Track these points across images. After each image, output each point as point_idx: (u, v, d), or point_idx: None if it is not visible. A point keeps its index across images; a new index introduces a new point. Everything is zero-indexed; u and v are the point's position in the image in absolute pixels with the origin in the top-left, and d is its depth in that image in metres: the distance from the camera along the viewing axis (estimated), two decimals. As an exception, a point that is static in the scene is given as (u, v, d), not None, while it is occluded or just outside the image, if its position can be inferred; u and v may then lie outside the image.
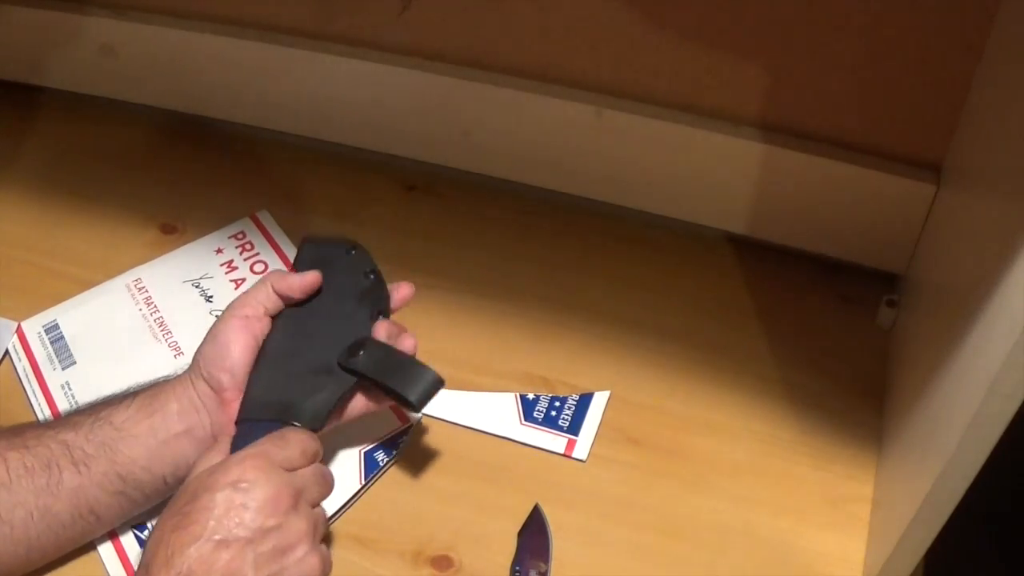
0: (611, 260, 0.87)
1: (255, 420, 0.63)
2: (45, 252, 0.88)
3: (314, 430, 0.64)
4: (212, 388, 0.66)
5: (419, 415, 0.75)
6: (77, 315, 0.82)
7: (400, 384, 0.66)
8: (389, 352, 0.68)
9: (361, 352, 0.67)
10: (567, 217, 0.90)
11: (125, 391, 0.68)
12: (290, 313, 0.69)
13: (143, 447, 0.65)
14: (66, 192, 0.93)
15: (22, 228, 0.90)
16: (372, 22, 0.87)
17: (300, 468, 0.60)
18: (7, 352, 0.80)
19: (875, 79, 0.75)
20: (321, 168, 0.95)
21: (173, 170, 0.95)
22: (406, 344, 0.69)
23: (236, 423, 0.65)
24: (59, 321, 0.82)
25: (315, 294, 0.71)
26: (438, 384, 0.66)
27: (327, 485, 0.62)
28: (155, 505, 0.67)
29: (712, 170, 0.83)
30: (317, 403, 0.65)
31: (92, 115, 1.00)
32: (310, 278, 0.70)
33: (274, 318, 0.69)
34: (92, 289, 0.84)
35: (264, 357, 0.67)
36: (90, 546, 0.67)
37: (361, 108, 0.91)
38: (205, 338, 0.68)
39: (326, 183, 0.94)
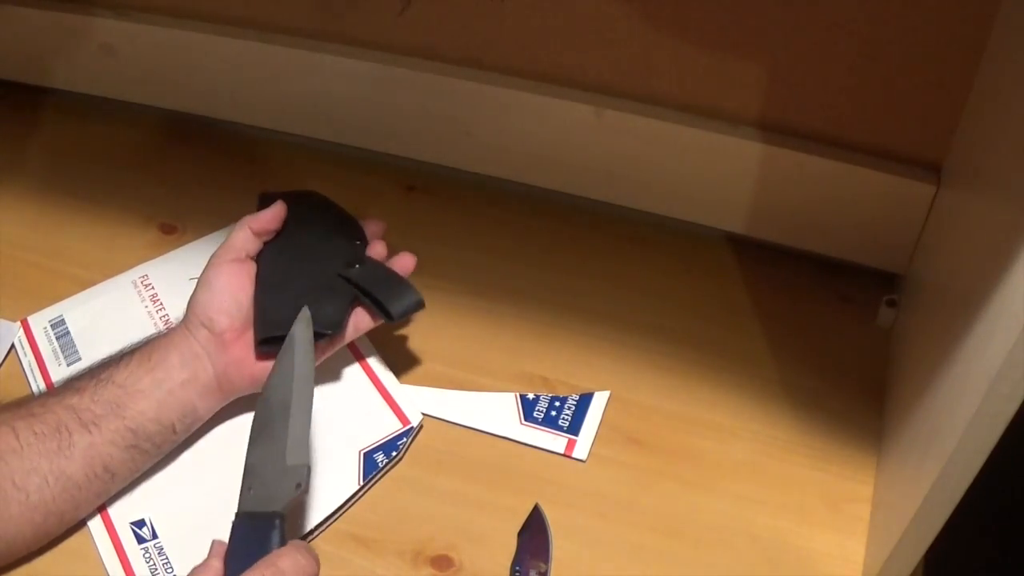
0: (611, 260, 0.87)
1: (249, 513, 0.61)
2: (45, 252, 0.88)
3: (333, 334, 0.70)
4: (212, 332, 0.70)
5: (419, 419, 0.75)
6: (83, 311, 0.82)
7: (384, 296, 0.72)
8: (381, 268, 0.75)
9: (357, 266, 0.74)
10: (567, 217, 0.90)
11: (119, 352, 0.71)
12: (272, 247, 0.75)
13: (150, 399, 0.67)
14: (66, 192, 0.93)
15: (22, 228, 0.90)
16: (372, 22, 0.87)
17: None
18: (12, 347, 0.80)
19: (875, 79, 0.75)
20: (321, 168, 0.95)
21: (173, 170, 0.95)
22: (403, 262, 0.75)
23: (256, 346, 0.70)
24: (65, 316, 0.82)
25: (288, 229, 0.76)
26: (419, 304, 0.73)
27: None
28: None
29: (712, 170, 0.83)
30: (332, 309, 0.71)
31: (92, 115, 1.00)
32: (278, 208, 0.75)
33: (257, 258, 0.74)
34: (98, 285, 0.84)
35: (263, 286, 0.72)
36: (87, 538, 0.68)
37: (361, 108, 0.91)
38: (196, 288, 0.72)
39: (326, 183, 0.93)
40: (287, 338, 0.67)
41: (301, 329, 0.67)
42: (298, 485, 0.61)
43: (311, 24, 0.89)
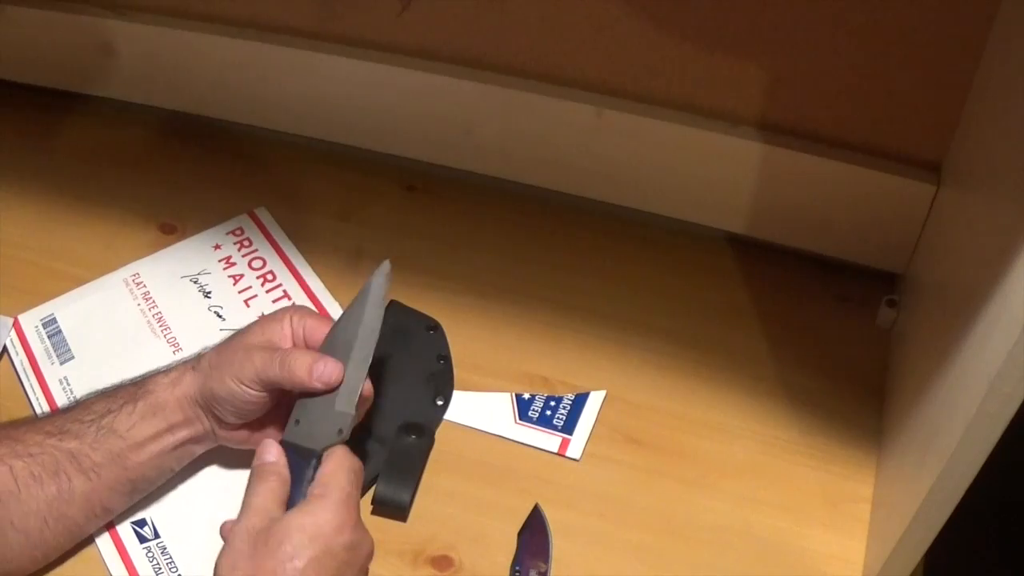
0: (611, 260, 0.87)
1: (292, 444, 0.64)
2: (45, 252, 0.88)
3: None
4: (214, 419, 0.67)
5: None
6: (75, 309, 0.82)
7: (387, 474, 0.71)
8: (420, 453, 0.73)
9: (412, 438, 0.73)
10: (567, 217, 0.90)
11: (119, 387, 0.69)
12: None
13: (151, 453, 0.66)
14: (66, 192, 0.93)
15: (21, 228, 0.90)
16: (372, 22, 0.87)
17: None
18: (4, 348, 0.80)
19: (875, 79, 0.75)
20: (321, 168, 0.95)
21: (173, 170, 0.95)
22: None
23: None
24: (56, 315, 0.82)
25: (389, 358, 0.76)
26: (400, 507, 0.70)
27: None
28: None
29: (712, 170, 0.83)
30: (365, 473, 0.67)
31: (92, 115, 1.00)
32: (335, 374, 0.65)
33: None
34: (89, 284, 0.84)
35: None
36: (88, 540, 0.68)
37: (361, 108, 0.91)
38: (220, 368, 0.66)
39: (326, 183, 0.94)
40: (364, 286, 0.68)
41: (379, 282, 0.67)
42: (340, 431, 0.63)
43: (311, 24, 0.89)
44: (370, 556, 0.61)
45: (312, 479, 0.61)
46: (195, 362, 0.68)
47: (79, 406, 0.68)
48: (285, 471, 0.62)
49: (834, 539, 0.69)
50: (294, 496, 0.61)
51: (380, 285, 0.67)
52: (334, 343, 0.66)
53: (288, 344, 0.67)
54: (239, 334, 0.68)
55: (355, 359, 0.65)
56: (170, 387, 0.67)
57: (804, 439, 0.74)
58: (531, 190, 0.91)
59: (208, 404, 0.66)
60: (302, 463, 0.62)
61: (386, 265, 0.68)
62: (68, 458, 0.64)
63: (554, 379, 0.78)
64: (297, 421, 0.65)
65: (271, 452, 0.63)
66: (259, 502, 0.60)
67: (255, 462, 0.62)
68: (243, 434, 0.68)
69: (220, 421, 0.67)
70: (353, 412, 0.64)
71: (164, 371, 0.69)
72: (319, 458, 0.62)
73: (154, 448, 0.66)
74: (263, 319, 0.69)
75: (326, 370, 0.64)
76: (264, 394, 0.65)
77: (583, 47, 0.82)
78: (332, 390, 0.64)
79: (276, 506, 0.60)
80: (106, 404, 0.67)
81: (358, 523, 0.60)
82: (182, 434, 0.67)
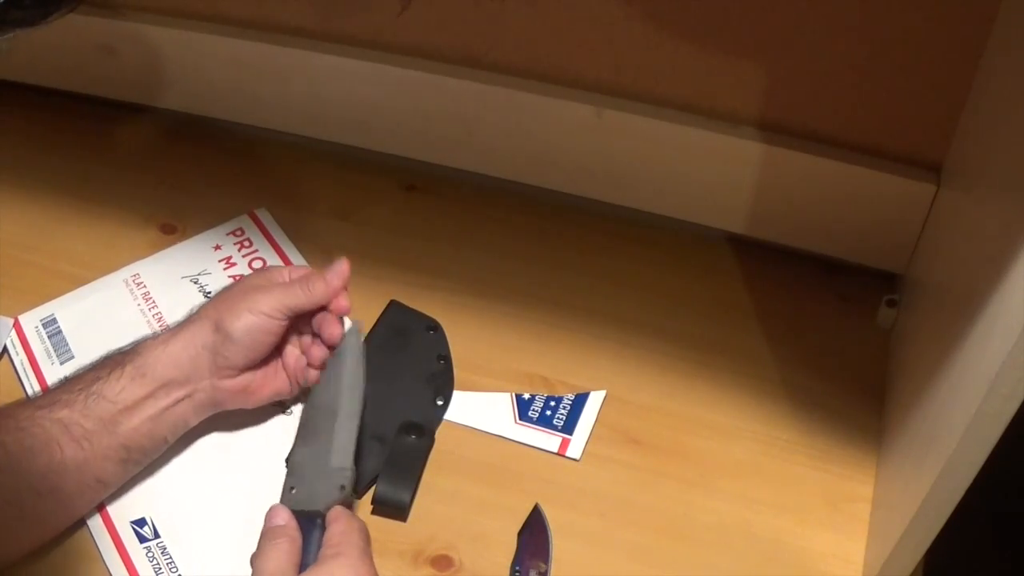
0: (611, 260, 0.87)
1: (292, 512, 0.63)
2: (44, 252, 0.88)
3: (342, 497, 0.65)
4: (222, 366, 0.68)
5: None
6: (75, 309, 0.82)
7: (387, 474, 0.70)
8: (421, 453, 0.73)
9: (412, 438, 0.73)
10: (567, 217, 0.90)
11: (107, 357, 0.69)
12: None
13: (143, 416, 0.66)
14: (66, 192, 0.93)
15: (21, 228, 0.90)
16: (372, 22, 0.87)
17: None
18: (5, 348, 0.80)
19: (875, 79, 0.75)
20: (321, 168, 0.95)
21: (173, 170, 0.95)
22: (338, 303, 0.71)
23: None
24: (57, 315, 0.82)
25: (389, 358, 0.77)
26: (398, 509, 0.70)
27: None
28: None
29: (712, 170, 0.83)
30: (364, 471, 0.69)
31: (92, 115, 1.00)
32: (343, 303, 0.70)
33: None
34: (90, 284, 0.84)
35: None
36: (89, 540, 0.68)
37: (361, 108, 0.91)
38: (232, 308, 0.68)
39: (326, 183, 0.94)
40: (339, 346, 0.68)
41: (353, 340, 0.68)
42: (342, 487, 0.63)
43: (311, 24, 0.89)
44: None
45: (320, 541, 0.61)
46: (190, 316, 0.70)
47: (70, 379, 0.68)
48: (296, 533, 0.61)
49: (834, 539, 0.69)
50: (305, 561, 0.60)
51: (355, 342, 0.68)
52: (316, 408, 0.67)
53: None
54: (235, 285, 0.71)
55: (342, 420, 0.65)
56: (161, 345, 0.67)
57: (804, 439, 0.74)
58: (531, 190, 0.91)
59: (218, 346, 0.67)
60: (308, 526, 0.61)
61: (357, 324, 0.69)
62: (59, 428, 0.63)
63: (554, 379, 0.78)
64: (292, 488, 0.64)
65: (280, 516, 0.62)
66: (273, 566, 0.59)
67: (265, 527, 0.62)
68: (243, 381, 0.68)
69: (222, 370, 0.67)
70: (352, 466, 0.64)
71: (152, 334, 0.70)
72: (323, 518, 0.62)
73: (147, 410, 0.66)
74: (256, 272, 0.73)
75: (339, 271, 0.69)
76: (285, 323, 0.68)
77: (583, 47, 0.82)
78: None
79: (291, 569, 0.59)
80: (95, 373, 0.67)
81: None
82: (177, 393, 0.67)
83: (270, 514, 0.62)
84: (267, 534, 0.61)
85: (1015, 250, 0.48)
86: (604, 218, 0.90)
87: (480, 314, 0.83)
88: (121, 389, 0.66)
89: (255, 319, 0.67)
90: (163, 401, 0.66)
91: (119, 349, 0.70)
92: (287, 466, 0.66)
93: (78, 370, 0.69)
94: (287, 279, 0.71)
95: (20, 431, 0.63)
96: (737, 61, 0.78)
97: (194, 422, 0.70)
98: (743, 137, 0.81)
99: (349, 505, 0.64)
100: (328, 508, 0.62)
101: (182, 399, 0.67)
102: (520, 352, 0.80)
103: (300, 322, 0.71)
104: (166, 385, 0.67)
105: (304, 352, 0.71)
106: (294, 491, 0.64)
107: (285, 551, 0.59)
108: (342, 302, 0.70)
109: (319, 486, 0.63)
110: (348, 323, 0.71)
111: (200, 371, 0.67)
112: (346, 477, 0.63)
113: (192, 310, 0.71)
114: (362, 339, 0.69)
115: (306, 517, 0.62)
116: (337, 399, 0.66)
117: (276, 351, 0.70)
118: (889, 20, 0.72)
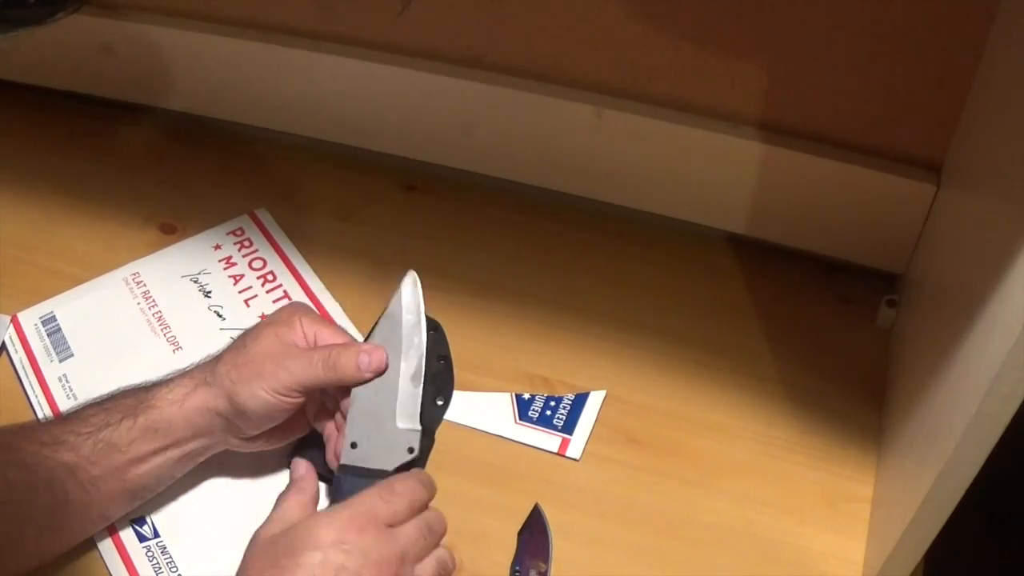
0: (611, 260, 0.87)
1: (355, 468, 0.64)
2: (44, 251, 0.88)
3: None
4: (233, 431, 0.66)
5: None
6: (75, 307, 0.82)
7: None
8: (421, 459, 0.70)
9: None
10: (567, 217, 0.90)
11: (116, 399, 0.66)
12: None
13: (153, 465, 0.65)
14: (66, 192, 0.93)
15: (21, 228, 0.90)
16: (372, 22, 0.87)
17: (406, 522, 0.60)
18: (3, 345, 0.80)
19: (875, 79, 0.75)
20: (321, 168, 0.95)
21: (173, 170, 0.95)
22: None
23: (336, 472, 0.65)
24: (56, 313, 0.82)
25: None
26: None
27: (435, 536, 0.62)
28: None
29: (712, 170, 0.83)
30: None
31: (92, 115, 1.00)
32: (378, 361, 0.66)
33: None
34: (89, 282, 0.84)
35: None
36: (88, 540, 0.68)
37: (361, 108, 0.91)
38: (247, 380, 0.64)
39: (326, 183, 0.94)
40: (393, 298, 0.68)
41: (410, 291, 0.68)
42: (411, 449, 0.64)
43: (311, 24, 0.89)
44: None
45: None
46: (206, 375, 0.65)
47: (75, 417, 0.65)
48: (309, 485, 0.62)
49: (834, 539, 0.69)
50: None
51: (412, 293, 0.67)
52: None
53: (304, 347, 0.66)
54: (250, 343, 0.66)
55: (405, 374, 0.66)
56: (177, 404, 0.65)
57: (804, 439, 0.74)
58: (531, 190, 0.91)
59: (232, 418, 0.65)
60: (364, 485, 0.61)
61: (412, 275, 0.68)
62: (65, 471, 0.62)
63: (554, 379, 0.78)
64: (354, 444, 0.64)
65: (299, 468, 0.64)
66: (278, 514, 0.61)
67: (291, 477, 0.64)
68: (259, 443, 0.67)
69: (239, 431, 0.66)
70: (419, 428, 0.64)
71: (166, 384, 0.66)
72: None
73: (157, 460, 0.65)
74: (270, 325, 0.67)
75: (373, 358, 0.64)
76: (302, 399, 0.65)
77: (583, 47, 0.82)
78: (382, 373, 0.65)
79: (297, 517, 0.60)
80: (104, 417, 0.64)
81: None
82: (189, 447, 0.66)
83: (293, 465, 0.64)
84: (289, 485, 0.64)
85: (1015, 250, 0.48)
86: (604, 218, 0.90)
87: (480, 314, 0.83)
88: (132, 440, 0.63)
89: (268, 399, 0.64)
90: (175, 453, 0.65)
91: (129, 390, 0.67)
92: (348, 420, 0.65)
93: (85, 404, 0.66)
94: (301, 338, 0.66)
95: (24, 468, 0.62)
96: (737, 61, 0.78)
97: (203, 459, 0.69)
98: (743, 137, 0.81)
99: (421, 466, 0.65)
100: (396, 469, 0.63)
101: (195, 451, 0.66)
102: (520, 352, 0.80)
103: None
104: (180, 441, 0.65)
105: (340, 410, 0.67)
106: (357, 449, 0.64)
107: (296, 503, 0.61)
108: (377, 361, 0.66)
109: (386, 446, 0.64)
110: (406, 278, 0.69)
111: (215, 432, 0.66)
112: (414, 440, 0.64)
113: (209, 357, 0.68)
114: (420, 290, 0.67)
115: (373, 475, 0.62)
116: (398, 357, 0.65)
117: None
118: (889, 20, 0.72)
